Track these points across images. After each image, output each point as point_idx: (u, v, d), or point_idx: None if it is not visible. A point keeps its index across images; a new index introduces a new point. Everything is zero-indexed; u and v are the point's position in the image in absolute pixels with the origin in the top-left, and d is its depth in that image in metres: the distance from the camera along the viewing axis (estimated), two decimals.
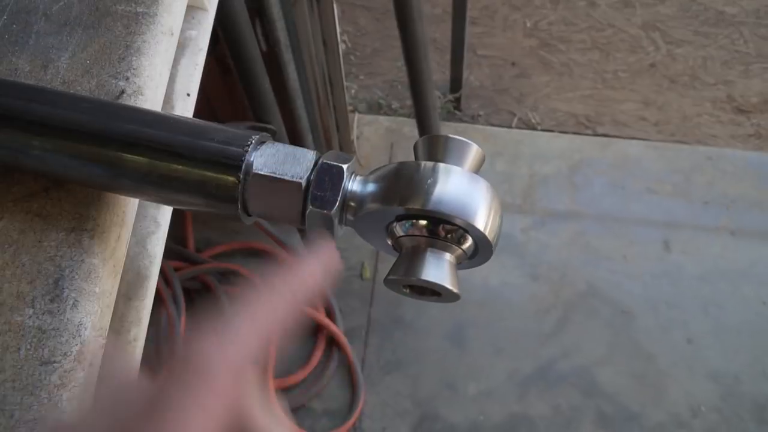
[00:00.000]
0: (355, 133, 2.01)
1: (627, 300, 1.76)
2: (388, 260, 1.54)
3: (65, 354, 0.39)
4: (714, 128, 2.09)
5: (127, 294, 0.48)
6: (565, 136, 2.05)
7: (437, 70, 2.13)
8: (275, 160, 0.38)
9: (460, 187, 0.36)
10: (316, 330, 1.72)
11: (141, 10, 0.50)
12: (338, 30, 1.48)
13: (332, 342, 1.71)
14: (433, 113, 1.44)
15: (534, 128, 2.10)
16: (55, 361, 0.39)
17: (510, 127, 2.10)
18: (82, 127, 0.38)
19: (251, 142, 0.37)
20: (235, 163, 0.37)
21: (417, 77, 1.32)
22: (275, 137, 0.60)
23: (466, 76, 2.17)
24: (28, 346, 0.39)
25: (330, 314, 1.73)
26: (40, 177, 0.44)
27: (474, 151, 0.38)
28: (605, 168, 1.95)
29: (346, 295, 1.78)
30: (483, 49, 2.28)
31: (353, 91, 2.20)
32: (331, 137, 1.65)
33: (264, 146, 0.38)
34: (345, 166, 0.37)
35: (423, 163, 0.37)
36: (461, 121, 2.12)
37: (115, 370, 0.37)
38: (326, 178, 0.37)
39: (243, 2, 0.94)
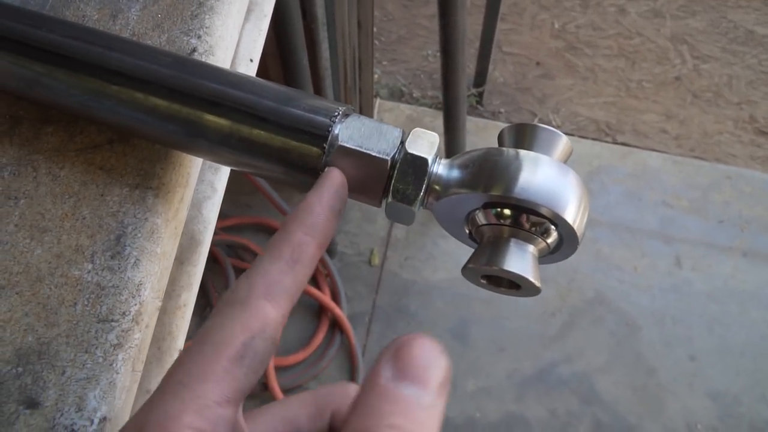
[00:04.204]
0: (375, 118, 2.00)
1: (633, 311, 1.75)
2: (398, 248, 1.52)
3: (124, 313, 0.38)
4: (734, 147, 2.07)
5: (180, 258, 0.46)
6: (584, 141, 2.03)
7: None
8: (361, 133, 0.36)
9: (550, 177, 0.35)
10: (319, 311, 1.71)
11: None
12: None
13: (335, 325, 1.70)
14: (461, 104, 1.42)
15: None
16: (113, 320, 0.37)
17: None
18: (164, 80, 0.37)
19: (338, 113, 0.36)
20: (321, 133, 0.36)
21: (452, 66, 1.31)
22: None
23: (491, 71, 2.15)
24: (86, 302, 0.38)
25: (335, 297, 1.72)
26: (104, 129, 0.42)
27: (563, 142, 0.37)
28: (623, 177, 1.94)
29: (353, 281, 1.77)
30: (509, 46, 2.27)
31: (376, 76, 2.18)
32: None
33: (350, 119, 0.37)
34: (430, 158, 0.36)
35: (511, 149, 0.36)
36: (482, 116, 2.11)
37: None
38: (410, 170, 0.36)
39: None
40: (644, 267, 1.80)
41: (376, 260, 1.79)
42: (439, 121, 1.67)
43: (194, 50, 0.45)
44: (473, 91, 2.12)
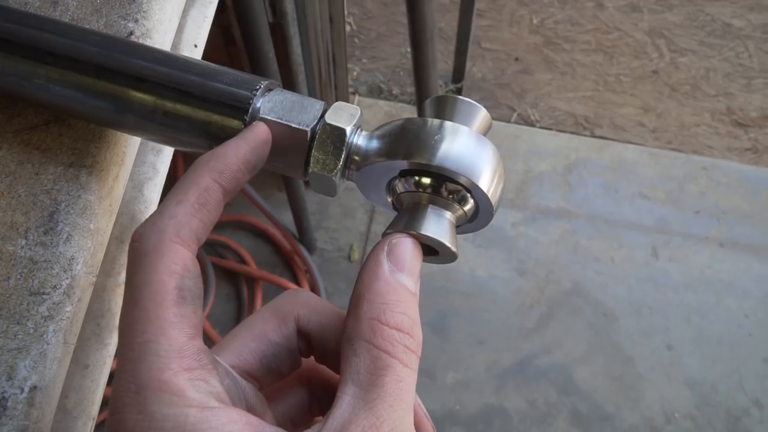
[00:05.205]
0: None
1: (611, 302, 1.77)
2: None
3: (55, 287, 0.39)
4: (711, 139, 2.09)
5: (120, 237, 0.47)
6: (562, 135, 2.05)
7: (441, 60, 2.12)
8: (282, 106, 0.37)
9: (467, 147, 0.36)
10: None
11: None
12: (345, 9, 1.47)
13: None
14: None
15: (532, 125, 2.10)
16: (44, 293, 0.38)
17: (508, 122, 2.10)
18: (91, 58, 0.38)
19: (260, 87, 0.37)
20: (242, 106, 0.37)
21: (421, 61, 1.32)
22: None
23: (469, 67, 2.16)
24: (18, 276, 0.39)
25: (315, 293, 1.72)
26: (41, 110, 0.43)
27: (482, 115, 0.38)
28: (600, 170, 1.96)
29: (333, 276, 1.78)
30: (488, 42, 2.28)
31: (355, 73, 2.19)
32: None
33: (272, 92, 0.38)
34: (348, 128, 0.37)
35: (430, 119, 0.37)
36: None
37: None
38: (329, 140, 0.37)
39: None
40: (621, 258, 1.82)
41: (356, 256, 1.80)
42: None
43: (131, 33, 0.46)
44: (452, 87, 2.13)
